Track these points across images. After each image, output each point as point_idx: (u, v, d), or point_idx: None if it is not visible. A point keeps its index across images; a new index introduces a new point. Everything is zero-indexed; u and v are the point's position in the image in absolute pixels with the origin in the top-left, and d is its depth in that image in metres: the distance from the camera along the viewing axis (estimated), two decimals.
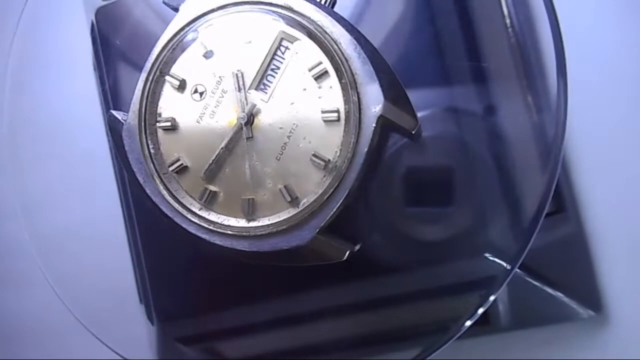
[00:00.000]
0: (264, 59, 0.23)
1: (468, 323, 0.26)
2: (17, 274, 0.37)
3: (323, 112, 0.23)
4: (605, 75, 0.32)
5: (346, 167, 0.22)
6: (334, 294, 0.29)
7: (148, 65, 0.24)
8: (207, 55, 0.24)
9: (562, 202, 0.32)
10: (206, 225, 0.24)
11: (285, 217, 0.23)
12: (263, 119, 0.23)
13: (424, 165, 0.27)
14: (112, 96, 0.28)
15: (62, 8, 0.30)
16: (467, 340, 0.27)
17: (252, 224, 0.23)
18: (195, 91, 0.24)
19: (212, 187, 0.24)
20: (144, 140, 0.24)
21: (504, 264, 0.26)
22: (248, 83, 0.24)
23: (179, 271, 0.30)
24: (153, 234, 0.30)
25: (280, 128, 0.23)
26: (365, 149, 0.22)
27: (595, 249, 0.32)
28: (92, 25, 0.28)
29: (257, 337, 0.30)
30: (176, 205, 0.24)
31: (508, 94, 0.28)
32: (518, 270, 0.26)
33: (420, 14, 0.27)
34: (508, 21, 0.27)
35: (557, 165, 0.25)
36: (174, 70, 0.24)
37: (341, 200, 0.23)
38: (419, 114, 0.23)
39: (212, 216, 0.24)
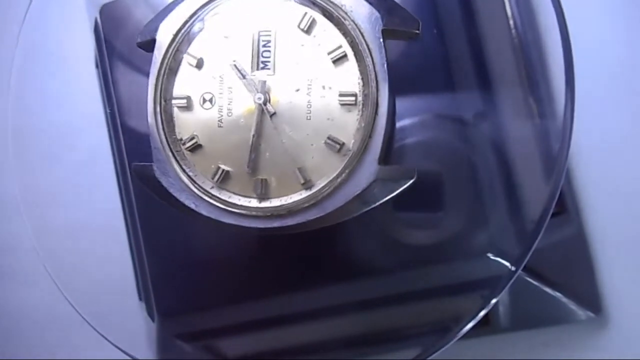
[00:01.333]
0: (252, 41, 0.24)
1: (470, 324, 0.26)
2: (20, 271, 0.37)
3: (329, 53, 0.23)
4: (607, 78, 0.33)
5: (375, 91, 0.22)
6: (336, 293, 0.28)
7: (150, 99, 0.24)
8: (199, 64, 0.24)
9: (563, 203, 0.32)
10: (274, 213, 0.23)
11: (341, 166, 0.23)
12: (278, 92, 0.23)
13: (428, 169, 0.27)
14: (115, 94, 0.28)
15: (66, 6, 0.30)
16: (467, 340, 0.27)
17: (314, 189, 0.23)
18: (204, 100, 0.24)
19: (261, 176, 0.24)
20: (179, 169, 0.24)
21: (508, 265, 0.26)
22: (248, 68, 0.24)
23: (180, 268, 0.29)
24: (154, 231, 0.29)
25: (297, 90, 0.23)
26: (385, 66, 0.22)
27: (596, 251, 0.32)
28: (96, 23, 0.28)
29: (257, 335, 0.29)
30: (237, 210, 0.24)
31: (514, 100, 0.28)
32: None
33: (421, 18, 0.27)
34: (512, 22, 0.28)
35: (562, 170, 0.25)
36: (176, 92, 0.24)
37: (384, 125, 0.22)
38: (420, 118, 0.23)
39: (274, 202, 0.23)
